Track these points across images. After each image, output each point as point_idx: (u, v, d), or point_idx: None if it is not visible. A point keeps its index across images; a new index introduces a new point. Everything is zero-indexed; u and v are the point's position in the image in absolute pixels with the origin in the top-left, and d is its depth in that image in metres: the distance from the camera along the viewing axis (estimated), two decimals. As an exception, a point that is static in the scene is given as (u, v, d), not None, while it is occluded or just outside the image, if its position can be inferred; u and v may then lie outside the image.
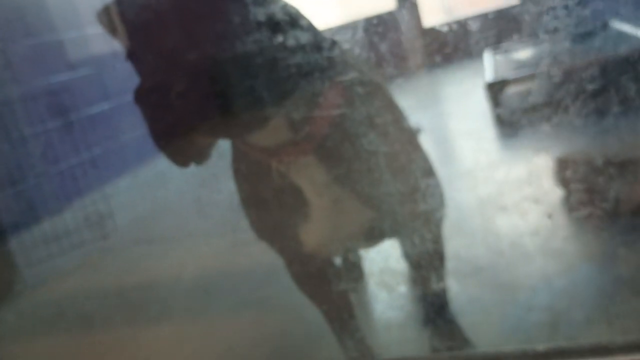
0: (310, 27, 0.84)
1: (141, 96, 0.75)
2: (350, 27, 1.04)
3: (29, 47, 2.43)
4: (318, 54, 0.85)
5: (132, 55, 0.78)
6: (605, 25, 2.00)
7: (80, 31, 2.61)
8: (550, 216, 1.32)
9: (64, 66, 2.56)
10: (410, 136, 1.03)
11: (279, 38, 0.78)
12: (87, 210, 2.35)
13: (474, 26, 1.12)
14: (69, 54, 2.60)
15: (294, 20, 0.81)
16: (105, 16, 0.83)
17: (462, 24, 1.12)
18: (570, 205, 1.32)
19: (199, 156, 0.82)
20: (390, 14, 2.36)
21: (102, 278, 1.99)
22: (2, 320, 1.81)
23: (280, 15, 0.79)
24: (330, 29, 1.03)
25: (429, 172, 1.00)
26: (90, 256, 2.19)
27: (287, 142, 0.86)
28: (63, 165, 2.44)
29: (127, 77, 0.77)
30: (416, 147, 1.01)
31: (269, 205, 0.96)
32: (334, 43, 0.88)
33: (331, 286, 1.09)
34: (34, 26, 2.47)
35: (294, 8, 0.82)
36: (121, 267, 2.03)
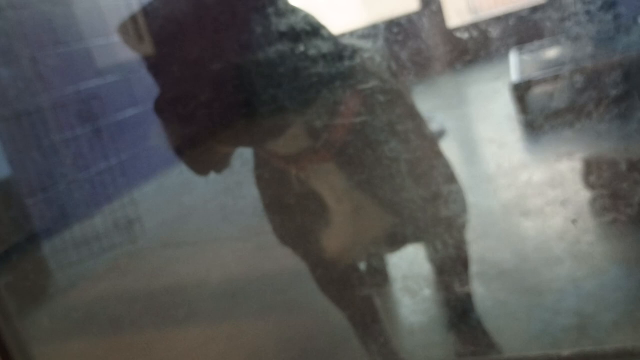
0: (331, 37, 0.85)
1: (162, 106, 0.77)
2: (373, 29, 1.04)
3: (58, 55, 2.48)
4: (339, 62, 0.85)
5: (153, 66, 0.79)
6: (633, 23, 1.95)
7: (108, 39, 2.65)
8: (574, 222, 1.30)
9: (92, 73, 2.61)
10: (432, 143, 1.02)
11: (301, 48, 0.79)
12: (116, 215, 2.39)
13: (494, 33, 1.10)
14: (97, 61, 2.65)
15: (315, 30, 0.82)
16: (127, 28, 0.84)
17: (483, 31, 1.11)
18: (596, 209, 1.30)
19: (219, 165, 0.84)
20: (414, 15, 2.34)
21: (130, 281, 2.02)
22: (36, 323, 1.85)
23: (301, 26, 0.80)
24: (353, 32, 1.03)
25: (450, 178, 1.00)
26: (119, 259, 2.23)
27: (306, 149, 0.86)
28: (93, 171, 2.48)
29: (155, 83, 0.79)
30: (438, 154, 1.00)
31: (291, 211, 0.97)
32: (355, 52, 0.89)
33: (355, 291, 1.10)
34: (63, 35, 2.51)
35: (315, 18, 0.83)
36: (149, 270, 2.06)
